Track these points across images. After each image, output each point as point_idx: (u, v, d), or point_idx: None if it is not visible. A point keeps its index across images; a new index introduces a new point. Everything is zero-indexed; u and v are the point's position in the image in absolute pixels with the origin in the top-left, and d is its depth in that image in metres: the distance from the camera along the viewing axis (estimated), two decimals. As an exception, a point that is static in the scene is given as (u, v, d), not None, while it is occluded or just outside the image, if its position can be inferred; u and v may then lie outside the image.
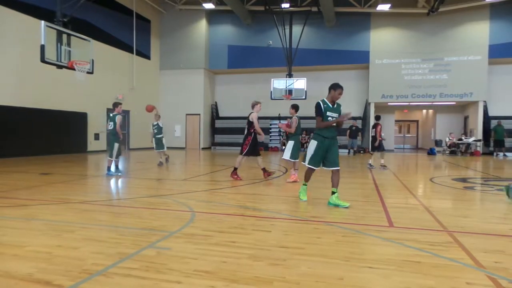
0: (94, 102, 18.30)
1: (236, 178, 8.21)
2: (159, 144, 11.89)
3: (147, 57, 22.97)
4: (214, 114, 24.88)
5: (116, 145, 8.86)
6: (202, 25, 23.44)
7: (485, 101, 20.13)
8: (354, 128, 19.78)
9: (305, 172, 5.70)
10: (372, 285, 2.66)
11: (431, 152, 20.29)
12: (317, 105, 5.48)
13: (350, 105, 22.68)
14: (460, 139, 20.36)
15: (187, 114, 23.82)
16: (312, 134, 5.68)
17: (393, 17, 20.80)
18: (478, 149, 19.79)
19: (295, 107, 8.46)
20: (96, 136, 18.70)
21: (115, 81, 19.95)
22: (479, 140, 19.89)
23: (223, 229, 4.08)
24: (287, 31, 21.11)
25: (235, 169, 8.34)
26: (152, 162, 13.15)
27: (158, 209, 5.08)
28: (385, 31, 21.34)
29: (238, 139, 21.57)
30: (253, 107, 8.57)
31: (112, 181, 8.10)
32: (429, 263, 3.07)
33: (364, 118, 22.21)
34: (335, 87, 5.57)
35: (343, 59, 21.75)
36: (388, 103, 22.08)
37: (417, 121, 29.04)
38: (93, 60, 12.99)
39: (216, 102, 25.18)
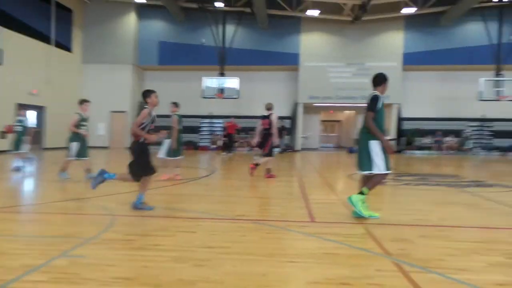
0: (1, 96, 16.38)
1: (271, 176, 8.48)
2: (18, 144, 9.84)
3: (68, 49, 21.20)
4: (143, 112, 23.87)
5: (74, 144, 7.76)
6: (131, 18, 22.31)
7: (399, 104, 22.18)
8: (281, 127, 20.49)
9: (376, 181, 4.54)
10: (293, 278, 2.77)
11: (351, 151, 21.79)
12: (376, 98, 4.54)
13: (280, 105, 23.41)
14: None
15: (112, 112, 22.48)
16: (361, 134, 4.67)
17: (321, 22, 21.89)
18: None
19: (176, 104, 8.22)
20: (3, 135, 16.75)
21: (29, 74, 18.08)
22: (394, 139, 21.86)
23: (146, 232, 3.93)
24: (220, 30, 21.09)
25: (268, 169, 8.59)
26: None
27: (73, 214, 4.72)
28: (314, 35, 22.41)
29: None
30: (270, 109, 8.75)
31: (20, 184, 7.34)
32: (345, 254, 3.30)
33: (293, 117, 23.06)
34: (387, 78, 4.76)
35: (274, 60, 22.34)
36: (315, 104, 23.21)
37: (339, 122, 30.97)
38: (2, 50, 11.62)
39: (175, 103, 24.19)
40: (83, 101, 7.96)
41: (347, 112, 29.33)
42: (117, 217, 4.52)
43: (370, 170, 4.48)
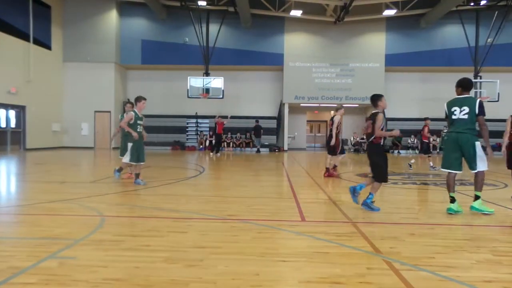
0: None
1: (330, 175, 8.93)
2: None
3: (48, 47, 20.66)
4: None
5: (129, 145, 7.28)
6: (112, 16, 21.92)
7: (382, 104, 22.53)
8: (256, 126, 20.69)
9: (481, 179, 4.96)
10: (286, 277, 2.78)
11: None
12: (482, 104, 4.91)
13: (265, 105, 23.51)
14: (363, 138, 22.52)
15: (96, 111, 22.08)
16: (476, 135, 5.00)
17: (305, 23, 22.05)
18: (377, 147, 22.07)
19: (133, 102, 7.61)
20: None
21: (7, 72, 17.55)
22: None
23: (136, 232, 3.87)
24: (204, 29, 20.97)
25: (335, 166, 9.12)
26: (54, 163, 11.91)
27: (61, 215, 4.61)
28: (298, 35, 22.54)
29: (153, 138, 20.74)
30: (337, 110, 9.32)
31: (3, 186, 7.12)
32: (336, 252, 3.32)
33: (279, 118, 23.15)
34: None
35: (259, 60, 22.37)
36: (301, 104, 23.37)
37: (326, 122, 31.26)
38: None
39: (128, 99, 23.84)
40: (140, 98, 7.25)
41: (333, 112, 29.63)
42: (107, 218, 4.44)
43: (475, 169, 4.94)
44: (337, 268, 2.92)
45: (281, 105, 23.08)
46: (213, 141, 19.14)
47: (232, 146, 21.28)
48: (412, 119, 22.65)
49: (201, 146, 21.89)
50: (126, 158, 7.36)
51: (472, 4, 19.10)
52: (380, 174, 5.15)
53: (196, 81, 20.04)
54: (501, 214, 5.16)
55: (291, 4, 20.58)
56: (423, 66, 22.04)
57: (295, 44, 22.45)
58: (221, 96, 19.76)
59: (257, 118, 22.11)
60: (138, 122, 7.15)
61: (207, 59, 20.61)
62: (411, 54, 21.89)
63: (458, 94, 5.21)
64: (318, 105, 23.75)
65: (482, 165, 4.90)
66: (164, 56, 22.14)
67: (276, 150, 21.43)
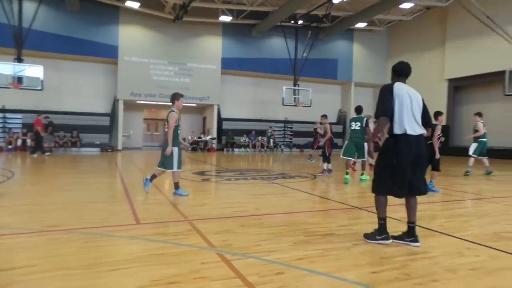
0: None
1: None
2: None
3: None
4: None
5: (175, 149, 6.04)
6: None
7: (218, 105, 23.76)
8: (48, 123, 18.59)
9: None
10: (117, 286, 2.58)
11: (177, 149, 22.04)
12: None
13: (97, 101, 21.44)
14: (200, 137, 23.22)
15: None
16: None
17: (142, 16, 21.10)
18: (214, 145, 23.15)
19: None
20: None
21: None
22: (214, 138, 23.30)
23: None
24: (16, 5, 17.49)
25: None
26: None
27: None
28: (135, 29, 21.40)
29: None
30: (326, 117, 10.80)
31: None
32: (172, 252, 3.30)
33: (113, 115, 21.51)
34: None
35: (89, 51, 20.20)
36: (137, 101, 22.31)
37: (164, 120, 30.77)
38: None
39: None
40: (179, 95, 6.08)
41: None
42: None
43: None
44: (173, 268, 2.90)
45: (115, 101, 21.49)
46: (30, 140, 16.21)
47: (55, 146, 18.40)
48: (245, 119, 24.68)
49: (10, 146, 18.12)
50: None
51: (292, 22, 22.18)
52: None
53: (4, 67, 16.46)
54: (311, 200, 6.16)
55: (127, -7, 19.35)
56: (255, 71, 24.30)
57: (132, 38, 21.26)
58: (39, 88, 16.84)
59: (87, 114, 19.94)
60: None
61: (20, 41, 17.19)
62: (244, 59, 23.80)
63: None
64: (155, 103, 23.17)
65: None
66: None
67: (109, 150, 19.83)
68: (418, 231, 4.13)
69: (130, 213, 4.83)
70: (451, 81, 21.64)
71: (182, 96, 6.17)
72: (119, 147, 21.06)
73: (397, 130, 3.53)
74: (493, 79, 18.04)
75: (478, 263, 3.12)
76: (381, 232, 3.63)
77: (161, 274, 2.77)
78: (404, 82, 3.72)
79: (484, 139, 10.39)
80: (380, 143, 11.62)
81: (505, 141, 18.19)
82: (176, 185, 6.09)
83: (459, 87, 21.44)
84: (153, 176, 6.24)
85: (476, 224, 4.61)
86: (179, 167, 6.05)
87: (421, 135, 3.59)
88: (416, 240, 3.59)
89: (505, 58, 16.05)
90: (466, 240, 3.83)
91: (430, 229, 4.26)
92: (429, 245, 3.55)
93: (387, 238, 3.61)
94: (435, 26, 22.74)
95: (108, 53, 20.65)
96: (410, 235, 3.64)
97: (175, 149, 5.99)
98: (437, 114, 7.44)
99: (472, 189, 7.51)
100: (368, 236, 3.69)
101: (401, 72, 3.73)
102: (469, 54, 19.76)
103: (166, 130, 6.03)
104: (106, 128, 20.98)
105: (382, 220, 3.66)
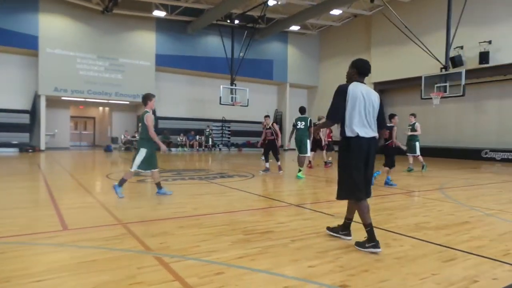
0: None
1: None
2: None
3: None
4: None
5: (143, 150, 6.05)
6: None
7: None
8: None
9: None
10: (41, 301, 2.36)
11: (107, 149, 20.84)
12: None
13: (13, 96, 19.38)
14: (134, 136, 22.18)
15: None
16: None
17: (66, 5, 19.47)
18: (148, 145, 22.25)
19: None
20: None
21: None
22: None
23: None
24: None
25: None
26: None
27: None
28: (59, 19, 19.71)
29: None
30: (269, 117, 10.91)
31: None
32: (105, 258, 3.10)
33: (33, 112, 19.64)
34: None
35: (3, 40, 18.16)
36: (62, 97, 20.64)
37: (94, 118, 28.96)
38: None
39: None
40: (152, 96, 6.30)
41: (101, 108, 27.72)
42: None
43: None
44: (106, 275, 2.73)
45: (36, 97, 19.63)
46: None
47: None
48: (182, 118, 24.14)
49: None
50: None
51: (228, 21, 22.16)
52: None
53: None
54: (250, 199, 6.23)
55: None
56: (191, 69, 23.85)
57: (54, 28, 19.54)
58: None
59: (1, 111, 17.96)
60: None
61: None
62: (180, 57, 23.24)
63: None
64: (84, 99, 21.65)
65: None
66: None
67: (30, 150, 18.08)
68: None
69: (55, 219, 4.44)
70: (376, 84, 23.35)
71: (154, 96, 6.30)
72: (42, 147, 19.29)
73: (348, 133, 3.50)
74: (412, 84, 19.80)
75: (402, 252, 3.41)
76: (370, 240, 3.46)
77: (92, 283, 2.59)
78: (363, 81, 3.66)
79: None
80: (324, 140, 12.31)
81: (421, 140, 20.10)
82: (121, 181, 6.04)
83: (384, 90, 23.20)
84: (158, 184, 6.35)
85: (400, 217, 5.03)
86: (142, 167, 6.06)
87: (373, 138, 3.55)
88: (348, 234, 3.80)
89: (422, 65, 17.72)
90: (392, 232, 4.16)
91: (360, 223, 4.54)
92: (360, 238, 3.79)
93: (376, 246, 3.40)
94: (362, 33, 24.37)
95: (26, 44, 18.75)
96: (344, 229, 3.84)
97: (144, 150, 6.04)
98: (392, 116, 8.20)
99: (398, 184, 8.19)
100: (359, 244, 3.53)
101: (363, 71, 3.64)
102: (391, 60, 21.49)
103: (140, 131, 6.24)
104: (25, 126, 19.10)
105: (368, 227, 3.48)
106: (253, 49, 24.06)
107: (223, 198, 6.34)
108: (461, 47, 17.48)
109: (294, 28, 24.64)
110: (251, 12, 21.22)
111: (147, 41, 22.35)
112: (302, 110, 9.57)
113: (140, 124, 6.16)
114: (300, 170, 9.17)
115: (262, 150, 10.26)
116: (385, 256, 3.30)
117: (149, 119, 6.01)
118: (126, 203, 5.73)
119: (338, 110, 3.51)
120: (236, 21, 22.44)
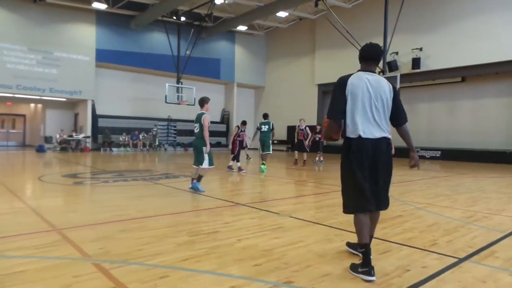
0: None
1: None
2: None
3: None
4: None
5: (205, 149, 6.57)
6: None
7: (93, 100, 21.66)
8: None
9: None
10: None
11: (40, 149, 19.26)
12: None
13: None
14: (71, 136, 20.80)
15: None
16: None
17: (-10, -8, 17.77)
18: (88, 145, 21.03)
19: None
20: None
21: None
22: (88, 137, 21.18)
23: None
24: None
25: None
26: None
27: None
28: (-19, 6, 17.89)
29: None
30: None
31: None
32: (36, 268, 2.86)
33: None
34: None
35: None
36: (-13, 93, 18.76)
37: (24, 116, 26.66)
38: None
39: None
40: (207, 99, 6.81)
41: (33, 105, 25.61)
42: None
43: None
44: (37, 286, 2.52)
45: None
46: None
47: None
48: (124, 117, 23.10)
49: None
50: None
51: (174, 18, 21.62)
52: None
53: None
54: (197, 200, 6.13)
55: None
56: (135, 66, 22.91)
57: (-23, 16, 17.71)
58: None
59: None
60: None
61: None
62: (122, 53, 22.23)
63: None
64: (12, 95, 19.84)
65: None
66: None
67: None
68: (294, 222, 4.52)
69: (-23, 227, 4.02)
70: (320, 86, 24.23)
71: (209, 99, 6.81)
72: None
73: (350, 134, 2.91)
74: (352, 86, 20.90)
75: (343, 247, 3.56)
76: (363, 265, 2.79)
77: (20, 295, 2.37)
78: (372, 70, 3.01)
79: None
80: (308, 142, 12.69)
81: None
82: (199, 178, 6.67)
83: (327, 92, 24.16)
84: (199, 177, 6.72)
85: (341, 213, 5.26)
86: (210, 164, 6.66)
87: (381, 139, 2.90)
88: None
89: (361, 68, 18.80)
90: (334, 227, 4.33)
91: (304, 220, 4.68)
92: (304, 234, 3.90)
93: (368, 273, 2.72)
94: (307, 35, 25.16)
95: None
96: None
97: (206, 148, 6.57)
98: None
99: (337, 182, 8.58)
100: (352, 267, 2.91)
101: (366, 55, 3.00)
102: (334, 63, 22.42)
103: (196, 131, 6.66)
104: None
105: (363, 248, 2.85)
106: (200, 47, 23.75)
107: (168, 199, 6.18)
108: (397, 53, 18.78)
109: (242, 28, 24.74)
110: (198, 9, 20.92)
111: (86, 35, 21.06)
112: (265, 116, 11.09)
113: (196, 125, 6.63)
114: (263, 164, 10.57)
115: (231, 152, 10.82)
116: (327, 251, 3.43)
117: (207, 120, 6.55)
118: (61, 207, 5.36)
119: (338, 106, 2.92)
120: (183, 18, 21.98)
